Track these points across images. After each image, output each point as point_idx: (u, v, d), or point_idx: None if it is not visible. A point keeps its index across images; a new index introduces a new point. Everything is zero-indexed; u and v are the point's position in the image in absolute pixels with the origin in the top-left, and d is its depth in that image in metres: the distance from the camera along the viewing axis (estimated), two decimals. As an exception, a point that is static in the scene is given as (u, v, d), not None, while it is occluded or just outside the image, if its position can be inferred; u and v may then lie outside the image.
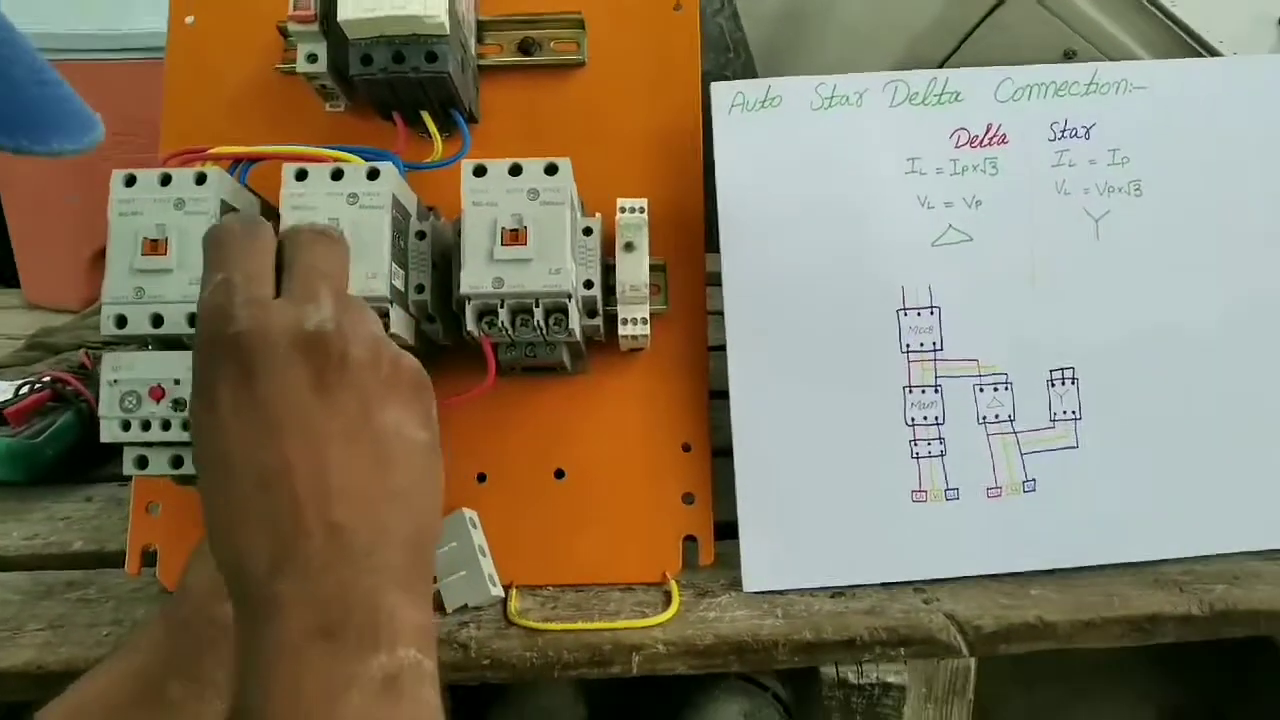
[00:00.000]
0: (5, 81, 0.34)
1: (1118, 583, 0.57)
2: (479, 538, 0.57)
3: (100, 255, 1.17)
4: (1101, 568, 0.58)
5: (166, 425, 0.48)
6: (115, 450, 0.50)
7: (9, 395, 0.77)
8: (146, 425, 0.48)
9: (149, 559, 0.60)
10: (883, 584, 0.58)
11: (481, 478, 0.60)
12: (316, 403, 0.34)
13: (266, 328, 0.34)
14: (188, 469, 0.50)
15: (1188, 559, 0.59)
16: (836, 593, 0.57)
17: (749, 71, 1.19)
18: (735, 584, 0.58)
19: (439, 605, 0.56)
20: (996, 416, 0.59)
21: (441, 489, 0.39)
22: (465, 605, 0.56)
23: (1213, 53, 0.73)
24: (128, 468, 0.50)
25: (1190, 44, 0.69)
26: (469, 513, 0.58)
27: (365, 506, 0.34)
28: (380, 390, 0.36)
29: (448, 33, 0.54)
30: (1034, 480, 0.59)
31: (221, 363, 0.35)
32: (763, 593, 0.57)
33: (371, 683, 0.32)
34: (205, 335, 0.35)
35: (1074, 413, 0.60)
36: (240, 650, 0.33)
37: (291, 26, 0.57)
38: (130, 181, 0.50)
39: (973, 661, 0.55)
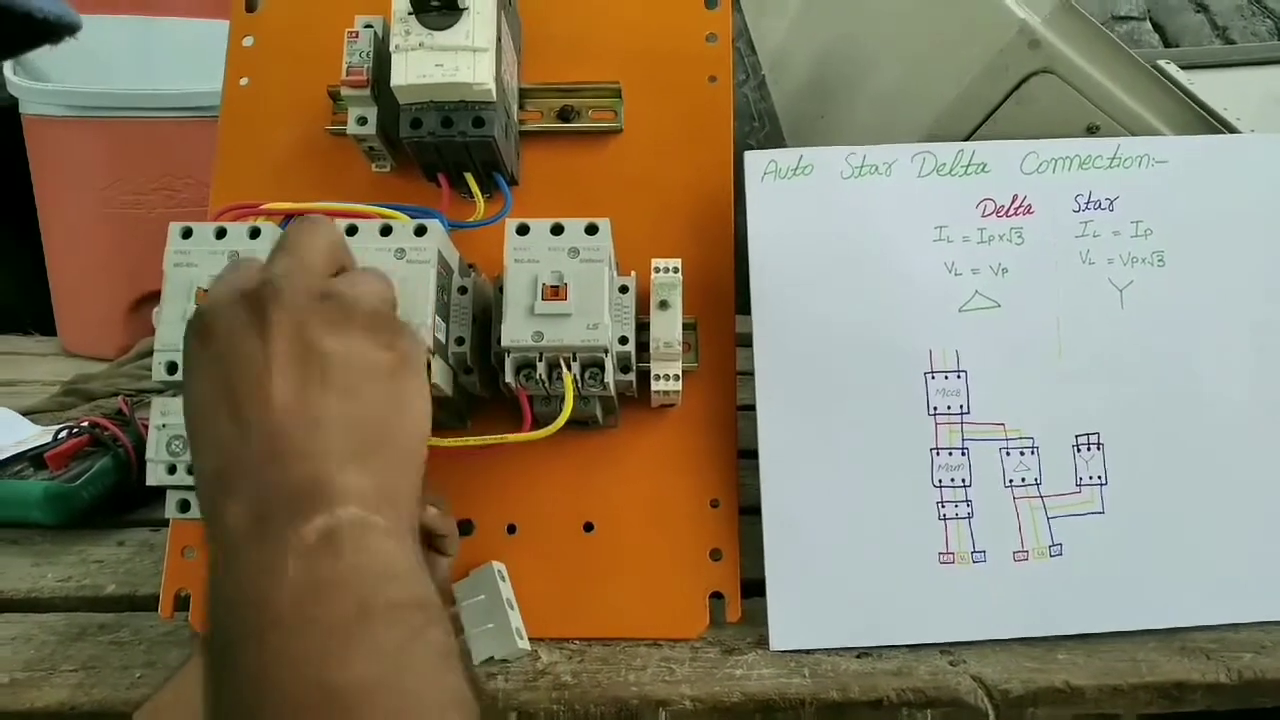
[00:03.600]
0: None
1: (1145, 649, 0.57)
2: (507, 590, 0.58)
3: (136, 305, 1.20)
4: (1128, 633, 0.58)
5: (211, 470, 0.50)
6: (148, 495, 0.51)
7: (48, 439, 0.78)
8: (191, 470, 0.50)
9: (182, 603, 0.60)
10: (909, 645, 0.58)
11: (512, 529, 0.61)
12: (257, 340, 0.37)
13: (218, 294, 0.39)
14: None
15: (1215, 626, 0.59)
16: (863, 653, 0.57)
17: (774, 140, 1.22)
18: (762, 642, 0.58)
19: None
20: (1023, 480, 0.60)
21: (409, 402, 0.40)
22: (492, 658, 0.56)
23: (1231, 129, 0.75)
24: (170, 510, 0.51)
25: (1210, 121, 0.71)
26: (498, 565, 0.59)
27: (302, 413, 0.36)
28: (324, 321, 0.38)
29: (494, 100, 0.56)
30: (1060, 545, 0.59)
31: (190, 333, 0.39)
32: (789, 651, 0.57)
33: (306, 546, 0.32)
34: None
35: (1100, 478, 0.60)
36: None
37: (344, 90, 0.59)
38: (187, 234, 0.52)
39: (999, 726, 0.55)
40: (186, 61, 1.13)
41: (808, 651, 0.57)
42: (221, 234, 0.51)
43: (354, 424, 0.37)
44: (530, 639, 0.57)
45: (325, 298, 0.39)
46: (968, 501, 0.59)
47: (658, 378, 0.57)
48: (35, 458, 0.77)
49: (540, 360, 0.51)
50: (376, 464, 0.37)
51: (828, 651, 0.57)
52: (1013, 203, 0.63)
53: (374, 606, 0.33)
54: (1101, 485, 0.60)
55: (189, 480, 0.50)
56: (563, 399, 0.53)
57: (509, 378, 0.52)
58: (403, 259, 0.50)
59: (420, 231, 0.51)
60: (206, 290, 0.42)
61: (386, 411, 0.39)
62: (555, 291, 0.51)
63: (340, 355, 0.38)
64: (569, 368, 0.52)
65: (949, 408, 0.60)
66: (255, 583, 0.32)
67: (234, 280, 0.39)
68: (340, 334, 0.38)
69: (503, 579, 0.58)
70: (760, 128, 1.47)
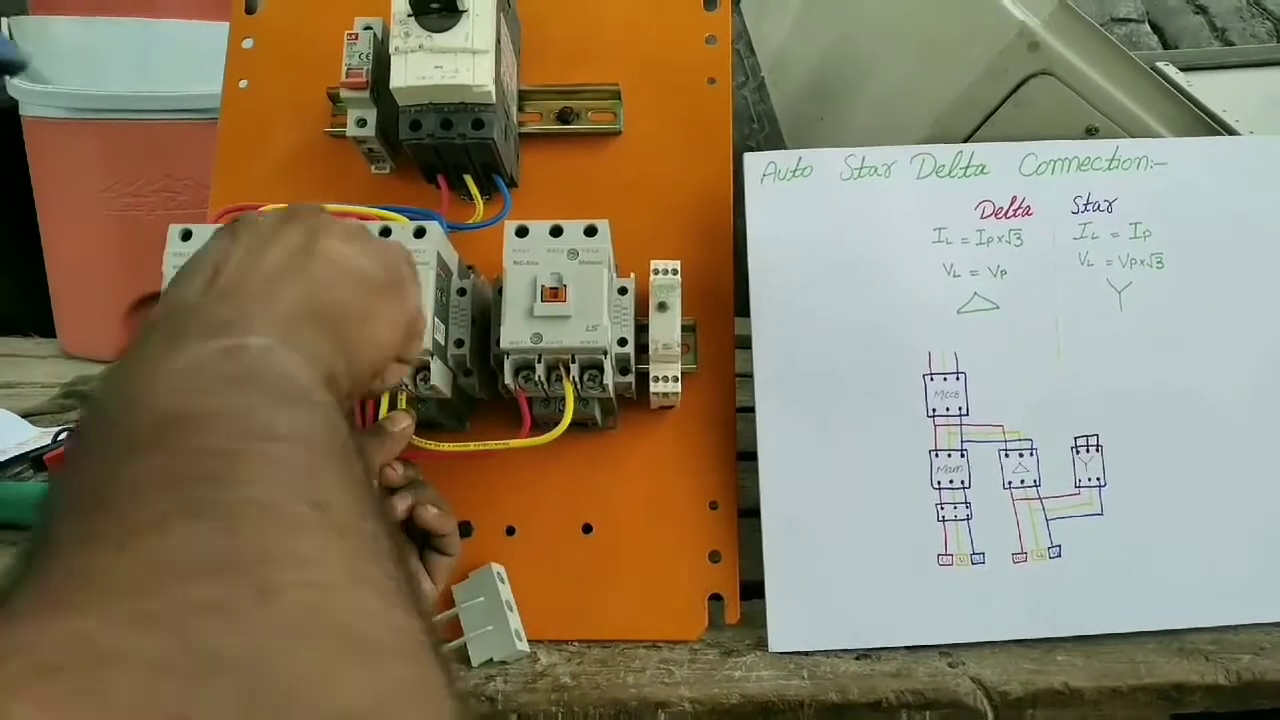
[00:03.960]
0: None
1: (1144, 650, 0.57)
2: (506, 592, 0.58)
3: (136, 306, 1.20)
4: (1127, 635, 0.58)
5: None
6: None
7: (48, 441, 0.78)
8: None
9: (181, 605, 0.60)
10: (908, 647, 0.58)
11: (511, 531, 0.61)
12: (275, 225, 0.40)
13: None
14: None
15: (1214, 628, 0.59)
16: (862, 654, 0.57)
17: (774, 143, 1.22)
18: (761, 644, 0.58)
19: (465, 659, 0.56)
20: (1022, 482, 0.60)
21: (377, 315, 0.41)
22: (491, 659, 0.56)
23: (1230, 131, 0.75)
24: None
25: (1208, 122, 0.71)
26: (497, 568, 0.59)
27: (271, 279, 0.37)
28: (340, 230, 0.41)
29: (493, 101, 0.56)
30: (1059, 546, 0.59)
31: (224, 227, 0.41)
32: (788, 653, 0.57)
33: (205, 348, 0.32)
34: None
35: (1099, 480, 0.60)
36: None
37: (343, 93, 0.60)
38: (186, 236, 0.52)
39: (997, 727, 0.55)
40: (186, 64, 1.13)
41: (807, 653, 0.57)
42: (221, 236, 0.52)
43: (316, 307, 0.37)
44: (529, 641, 0.57)
45: (353, 228, 0.42)
46: (967, 503, 0.59)
47: (657, 379, 0.57)
48: (35, 460, 0.77)
49: (539, 362, 0.51)
50: (319, 340, 0.36)
51: (827, 653, 0.57)
52: (1011, 204, 0.63)
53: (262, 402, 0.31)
54: (1100, 487, 0.60)
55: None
56: (562, 400, 0.53)
57: (508, 379, 0.52)
58: (402, 261, 0.51)
59: (419, 233, 0.51)
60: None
61: (353, 312, 0.39)
62: (554, 293, 0.51)
63: (333, 251, 0.40)
64: (568, 371, 0.52)
65: (948, 409, 0.60)
66: (146, 372, 0.31)
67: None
68: (345, 243, 0.40)
69: (502, 581, 0.58)
70: (760, 130, 1.47)
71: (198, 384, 0.30)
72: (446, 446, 0.55)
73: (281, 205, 0.44)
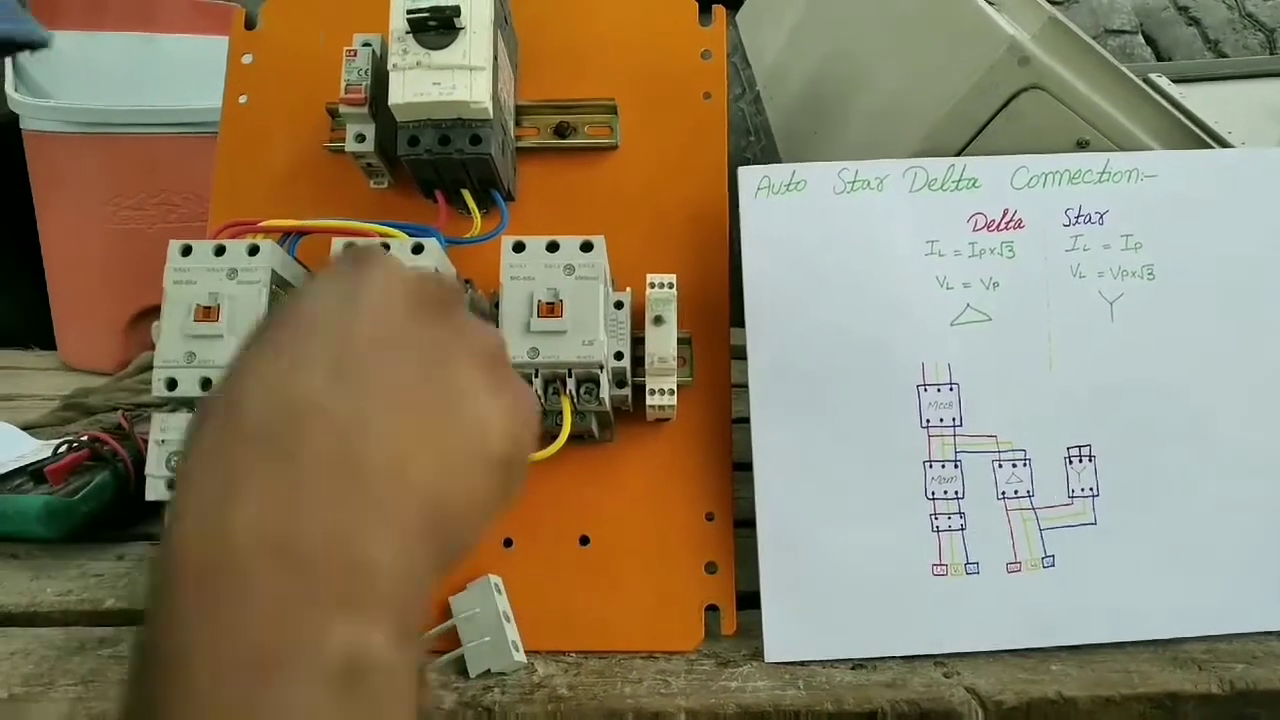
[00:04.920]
0: None
1: (1137, 659, 0.57)
2: (503, 604, 0.58)
3: (136, 319, 1.21)
4: (1121, 644, 0.58)
5: (210, 485, 0.50)
6: (147, 510, 0.51)
7: (48, 454, 0.79)
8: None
9: (181, 617, 0.61)
10: (903, 657, 0.58)
11: (508, 543, 0.62)
12: (401, 324, 0.30)
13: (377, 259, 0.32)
14: (227, 527, 0.51)
15: (1207, 637, 0.59)
16: (857, 664, 0.58)
17: (769, 155, 1.23)
18: (757, 654, 0.58)
19: (462, 670, 0.56)
20: (1016, 492, 0.60)
21: (499, 480, 0.32)
22: (489, 671, 0.57)
23: (1222, 144, 0.76)
24: (169, 525, 0.52)
25: (1200, 135, 0.72)
26: (494, 579, 0.59)
27: (389, 441, 0.28)
28: (467, 350, 0.32)
29: (491, 117, 0.57)
30: (1053, 556, 0.60)
31: (344, 257, 0.32)
32: (784, 663, 0.57)
33: (320, 672, 0.23)
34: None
35: (1092, 490, 0.61)
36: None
37: (342, 108, 0.60)
38: (186, 251, 0.52)
39: (992, 737, 0.55)
40: (186, 78, 1.13)
41: (802, 663, 0.57)
42: (220, 251, 0.52)
43: (439, 506, 0.28)
44: (526, 652, 0.57)
45: (490, 346, 0.34)
46: (960, 514, 0.60)
47: (653, 392, 0.58)
48: (35, 472, 0.77)
49: (536, 376, 0.52)
50: (428, 563, 0.28)
51: (822, 663, 0.57)
52: (1003, 217, 0.63)
53: None
54: (1094, 497, 0.61)
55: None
56: (559, 414, 0.54)
57: (505, 393, 0.52)
58: (400, 276, 0.51)
59: (418, 249, 0.52)
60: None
61: (475, 505, 0.31)
62: (551, 308, 0.52)
63: (471, 404, 0.31)
64: (565, 385, 0.52)
65: (941, 420, 0.61)
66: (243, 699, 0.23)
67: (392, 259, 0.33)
68: (485, 388, 0.32)
69: (499, 592, 0.59)
70: (757, 142, 1.48)
71: None
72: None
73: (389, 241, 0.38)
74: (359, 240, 0.35)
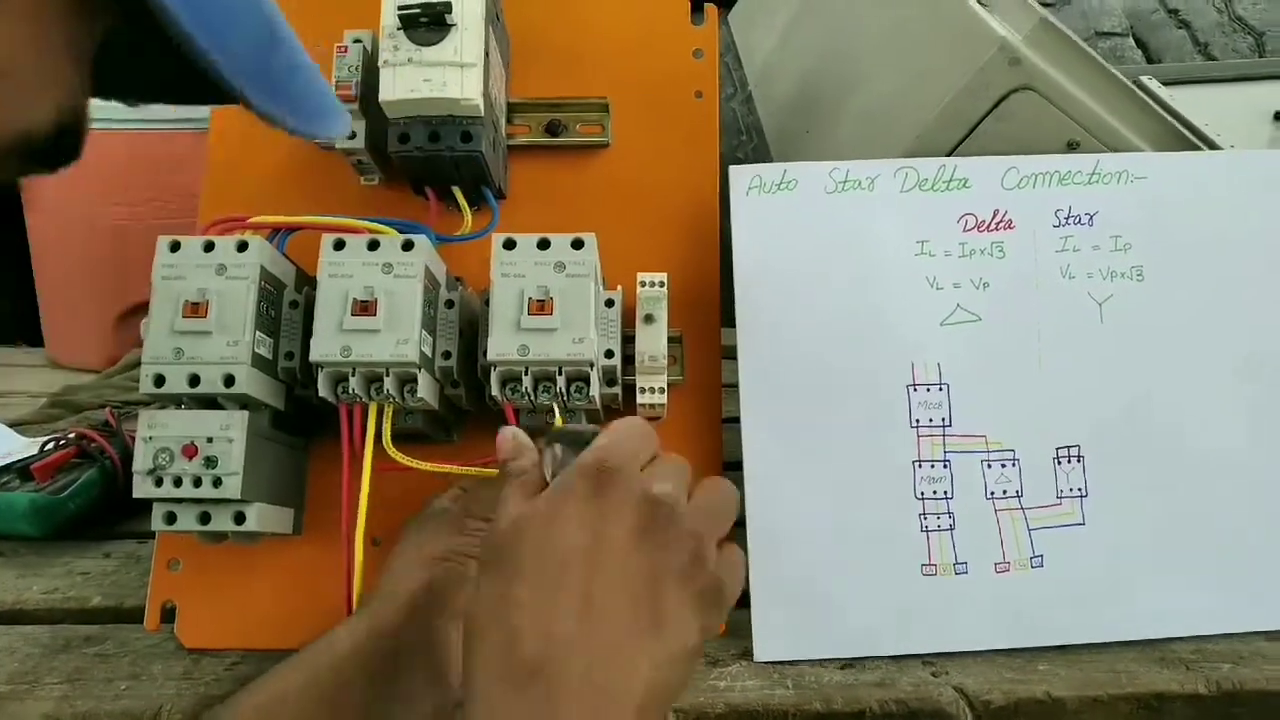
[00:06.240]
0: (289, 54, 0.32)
1: (1124, 659, 0.58)
2: None
3: (124, 316, 1.20)
4: (1108, 644, 0.59)
5: (197, 482, 0.50)
6: (135, 507, 0.51)
7: (35, 451, 0.78)
8: (178, 482, 0.50)
9: (168, 615, 0.60)
10: (891, 656, 0.58)
11: (498, 542, 0.61)
12: (619, 559, 0.37)
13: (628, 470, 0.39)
14: (214, 526, 0.51)
15: (1194, 637, 0.59)
16: (846, 664, 0.58)
17: (761, 154, 1.23)
18: (746, 654, 0.58)
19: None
20: (1004, 492, 0.60)
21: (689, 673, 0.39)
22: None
23: (1211, 146, 0.76)
24: (156, 523, 0.51)
25: (1189, 137, 0.72)
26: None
27: (600, 675, 0.35)
28: (678, 577, 0.38)
29: (482, 114, 0.57)
30: (1041, 556, 0.60)
31: (589, 481, 0.38)
32: (773, 663, 0.57)
33: None
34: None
35: (1080, 490, 0.61)
36: None
37: (333, 105, 0.60)
38: (175, 247, 0.52)
39: (980, 737, 0.55)
40: (176, 73, 1.13)
41: (791, 663, 0.57)
42: (210, 247, 0.52)
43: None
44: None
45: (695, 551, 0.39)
46: (950, 513, 0.60)
47: (643, 391, 0.58)
48: (22, 469, 0.76)
49: (526, 374, 0.52)
50: None
51: (811, 663, 0.58)
52: (994, 217, 0.63)
53: None
54: (1082, 497, 0.61)
55: (175, 493, 0.50)
56: (550, 413, 0.54)
57: (495, 391, 0.52)
58: (390, 273, 0.51)
59: (408, 246, 0.51)
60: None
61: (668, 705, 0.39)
62: (541, 306, 0.51)
63: (672, 614, 0.37)
64: (555, 383, 0.52)
65: (931, 420, 0.61)
66: None
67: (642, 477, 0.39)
68: (688, 603, 0.38)
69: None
70: (748, 141, 1.48)
71: None
72: (430, 467, 0.55)
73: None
74: (599, 452, 0.38)
